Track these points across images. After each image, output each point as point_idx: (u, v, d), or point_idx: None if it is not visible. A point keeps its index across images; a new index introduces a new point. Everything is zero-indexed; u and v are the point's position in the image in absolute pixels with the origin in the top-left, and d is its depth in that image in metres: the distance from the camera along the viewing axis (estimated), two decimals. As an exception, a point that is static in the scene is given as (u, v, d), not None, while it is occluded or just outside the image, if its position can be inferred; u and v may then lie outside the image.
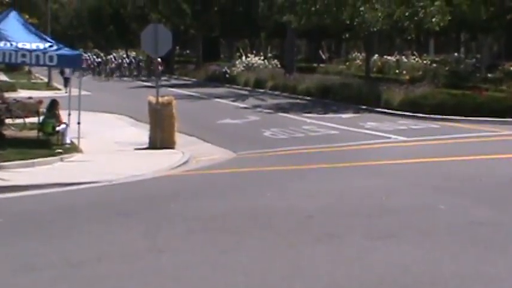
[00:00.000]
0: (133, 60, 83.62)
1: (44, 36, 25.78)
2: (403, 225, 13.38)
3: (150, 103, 26.18)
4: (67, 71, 46.03)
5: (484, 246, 11.81)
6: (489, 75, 46.16)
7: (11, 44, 23.93)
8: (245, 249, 11.87)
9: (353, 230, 13.04)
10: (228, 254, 11.60)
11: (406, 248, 11.76)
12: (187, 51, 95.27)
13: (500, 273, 10.36)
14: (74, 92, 27.70)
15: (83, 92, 26.34)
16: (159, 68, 60.75)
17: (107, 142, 26.19)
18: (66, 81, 46.34)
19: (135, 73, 78.92)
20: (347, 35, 46.59)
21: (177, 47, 77.49)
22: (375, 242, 12.15)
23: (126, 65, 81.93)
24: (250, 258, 11.35)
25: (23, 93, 42.97)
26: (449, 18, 41.85)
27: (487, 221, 13.54)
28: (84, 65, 76.79)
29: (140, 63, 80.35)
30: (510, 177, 18.19)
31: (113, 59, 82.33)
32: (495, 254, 11.34)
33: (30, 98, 33.63)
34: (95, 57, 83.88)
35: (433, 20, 40.48)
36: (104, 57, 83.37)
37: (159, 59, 61.49)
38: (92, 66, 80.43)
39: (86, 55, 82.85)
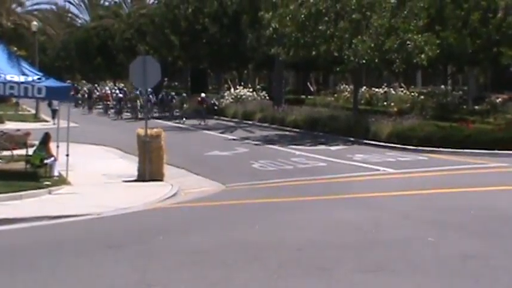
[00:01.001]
0: (165, 96, 65.87)
1: (32, 68, 25.78)
2: (393, 258, 13.37)
3: (138, 135, 26.18)
4: (55, 102, 46.03)
5: (475, 280, 11.82)
6: (476, 107, 46.51)
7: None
8: (234, 284, 11.85)
9: (343, 263, 13.03)
10: (217, 288, 11.59)
11: (397, 281, 11.76)
12: (176, 83, 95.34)
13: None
14: (62, 123, 27.68)
15: (71, 124, 26.36)
16: (204, 105, 56.89)
17: (95, 174, 26.16)
18: (54, 113, 46.46)
19: (166, 112, 62.96)
20: (338, 69, 46.74)
21: (166, 79, 77.49)
22: (366, 275, 12.15)
23: (154, 100, 64.62)
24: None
25: (10, 125, 43.02)
26: (438, 49, 42.13)
27: (477, 254, 13.55)
28: (109, 102, 67.51)
29: (173, 100, 63.47)
30: (499, 210, 18.22)
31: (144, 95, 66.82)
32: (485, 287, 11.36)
33: (17, 130, 33.69)
34: (117, 91, 70.16)
35: (422, 55, 40.74)
36: (127, 92, 69.83)
37: (203, 94, 60.61)
38: (114, 102, 66.59)
39: (107, 88, 74.69)
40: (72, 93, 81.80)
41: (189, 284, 11.83)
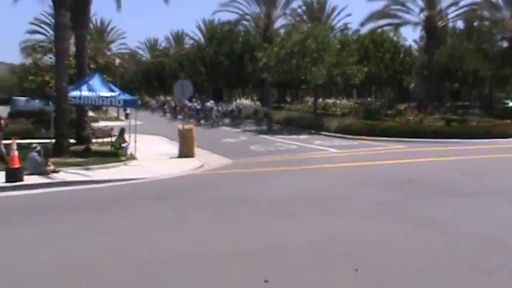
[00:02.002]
0: (234, 108, 52.70)
1: (115, 88, 25.94)
2: (337, 206, 13.47)
3: (179, 129, 26.23)
4: (128, 109, 45.96)
5: (382, 215, 11.97)
6: (389, 112, 46.49)
7: (96, 93, 24.19)
8: (239, 220, 11.93)
9: (307, 210, 13.13)
10: (227, 224, 11.66)
11: (339, 220, 11.86)
12: (203, 96, 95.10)
13: (391, 234, 10.49)
14: (132, 122, 27.67)
15: (137, 122, 26.41)
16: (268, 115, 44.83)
17: (152, 153, 26.14)
18: (127, 115, 46.54)
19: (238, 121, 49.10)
20: (304, 86, 46.89)
21: (196, 94, 77.06)
22: (321, 217, 12.26)
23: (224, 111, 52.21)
24: (241, 226, 11.43)
25: (102, 123, 43.00)
26: (365, 75, 42.54)
27: (385, 201, 13.71)
28: (188, 111, 53.03)
29: (241, 112, 51.34)
30: (402, 174, 18.31)
31: (215, 106, 52.00)
32: (389, 221, 11.48)
33: (106, 126, 33.76)
34: (195, 104, 56.76)
35: (356, 79, 41.20)
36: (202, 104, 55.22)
37: (266, 108, 49.76)
38: (192, 112, 53.13)
39: (186, 102, 54.37)
40: (158, 104, 79.58)
41: (208, 220, 11.92)
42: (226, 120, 50.65)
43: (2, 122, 22.18)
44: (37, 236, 10.78)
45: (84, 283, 7.88)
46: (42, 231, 11.20)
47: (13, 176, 17.26)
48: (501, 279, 7.97)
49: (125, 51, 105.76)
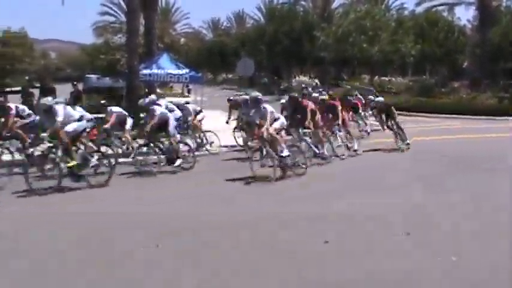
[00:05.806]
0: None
1: (181, 65, 26.52)
2: (389, 177, 13.66)
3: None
4: (190, 85, 46.52)
5: (431, 183, 12.20)
6: (442, 89, 45.79)
7: (164, 71, 24.84)
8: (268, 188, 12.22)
9: (360, 182, 13.37)
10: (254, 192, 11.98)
11: (391, 192, 12.10)
12: (262, 74, 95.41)
13: (431, 203, 10.71)
14: (198, 97, 28.10)
15: (203, 98, 26.90)
16: None
17: (214, 127, 26.45)
18: (189, 91, 47.48)
19: None
20: (356, 63, 46.76)
21: (257, 72, 77.43)
22: (374, 192, 12.48)
23: None
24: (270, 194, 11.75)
25: (168, 99, 43.73)
26: (420, 54, 42.10)
27: (433, 173, 13.95)
28: None
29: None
30: (447, 150, 18.24)
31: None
32: (436, 190, 11.63)
33: (170, 101, 34.37)
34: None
35: (411, 58, 40.84)
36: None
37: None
38: None
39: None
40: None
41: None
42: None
43: (83, 96, 23.28)
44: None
45: (160, 240, 8.41)
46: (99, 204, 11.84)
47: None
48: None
49: (189, 30, 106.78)
